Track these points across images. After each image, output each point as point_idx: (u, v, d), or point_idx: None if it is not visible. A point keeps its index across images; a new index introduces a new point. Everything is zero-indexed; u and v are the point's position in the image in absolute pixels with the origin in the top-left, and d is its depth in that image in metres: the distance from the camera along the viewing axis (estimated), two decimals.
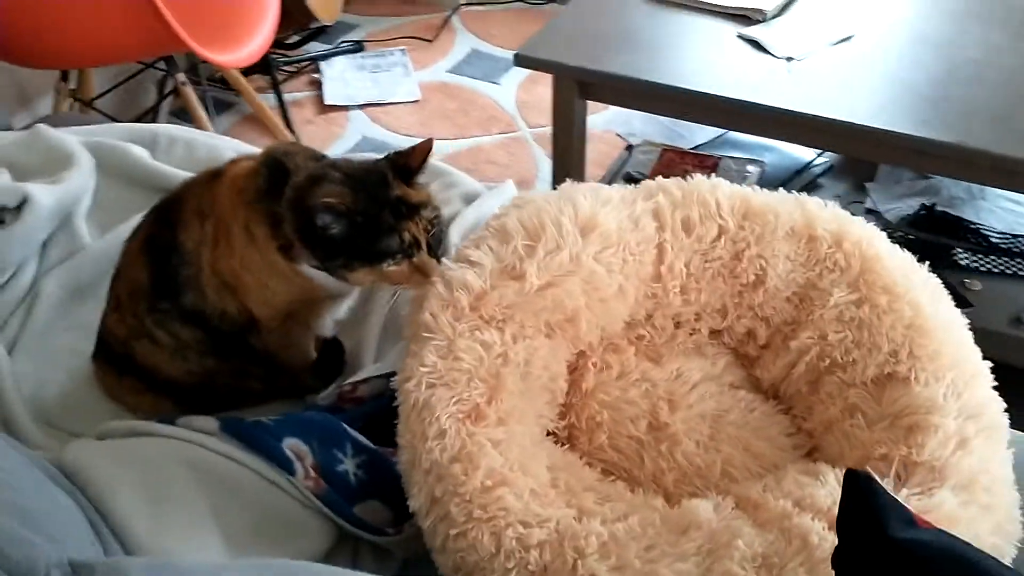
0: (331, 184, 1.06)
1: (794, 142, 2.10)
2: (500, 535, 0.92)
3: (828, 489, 0.94)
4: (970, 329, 1.09)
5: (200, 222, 1.15)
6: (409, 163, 1.09)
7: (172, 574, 0.70)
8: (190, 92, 2.22)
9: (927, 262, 1.12)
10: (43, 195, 1.43)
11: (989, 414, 1.01)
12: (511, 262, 1.06)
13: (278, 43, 3.08)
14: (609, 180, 2.29)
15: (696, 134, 2.43)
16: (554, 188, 1.75)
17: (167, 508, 1.00)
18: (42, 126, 1.60)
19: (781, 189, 1.17)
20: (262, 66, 3.00)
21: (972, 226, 2.05)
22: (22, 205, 1.43)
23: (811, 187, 2.24)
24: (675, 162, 2.30)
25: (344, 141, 2.85)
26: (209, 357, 1.19)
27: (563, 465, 1.03)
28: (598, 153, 2.64)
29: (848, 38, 1.96)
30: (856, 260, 1.09)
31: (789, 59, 1.89)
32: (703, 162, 2.29)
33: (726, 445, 1.06)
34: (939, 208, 2.08)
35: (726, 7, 2.05)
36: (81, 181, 1.51)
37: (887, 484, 0.96)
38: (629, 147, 2.41)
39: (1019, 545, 0.97)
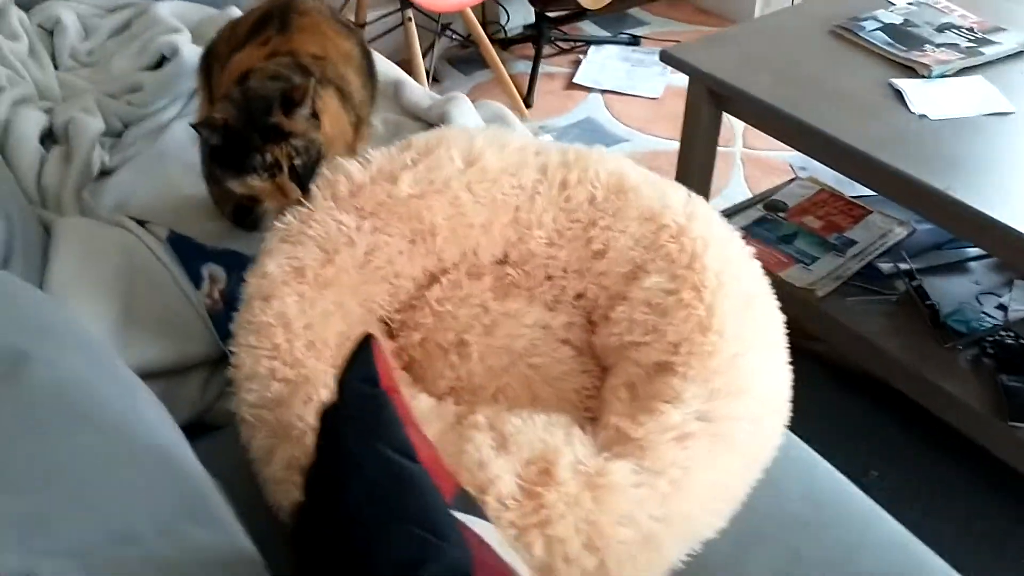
0: (228, 104, 1.25)
1: (917, 212, 1.97)
2: (258, 362, 1.10)
3: (534, 433, 1.02)
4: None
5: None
6: (293, 97, 1.25)
7: None
8: (412, 28, 2.54)
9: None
10: (190, 52, 1.79)
11: (731, 426, 1.03)
12: (395, 168, 1.23)
13: (555, 20, 3.34)
14: (754, 203, 2.30)
15: None
16: None
17: (86, 275, 1.30)
18: (236, 8, 1.98)
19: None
20: (537, 34, 3.28)
21: None
22: None
23: (956, 267, 2.10)
24: (824, 203, 2.25)
25: (568, 117, 3.05)
26: None
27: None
28: (764, 179, 2.70)
29: (1007, 113, 1.83)
30: (686, 255, 1.13)
31: (922, 116, 1.81)
32: (851, 210, 2.22)
33: (511, 377, 1.16)
34: None
35: (902, 57, 1.99)
36: None
37: (589, 443, 1.03)
38: (793, 179, 2.39)
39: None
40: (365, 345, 0.79)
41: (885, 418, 2.00)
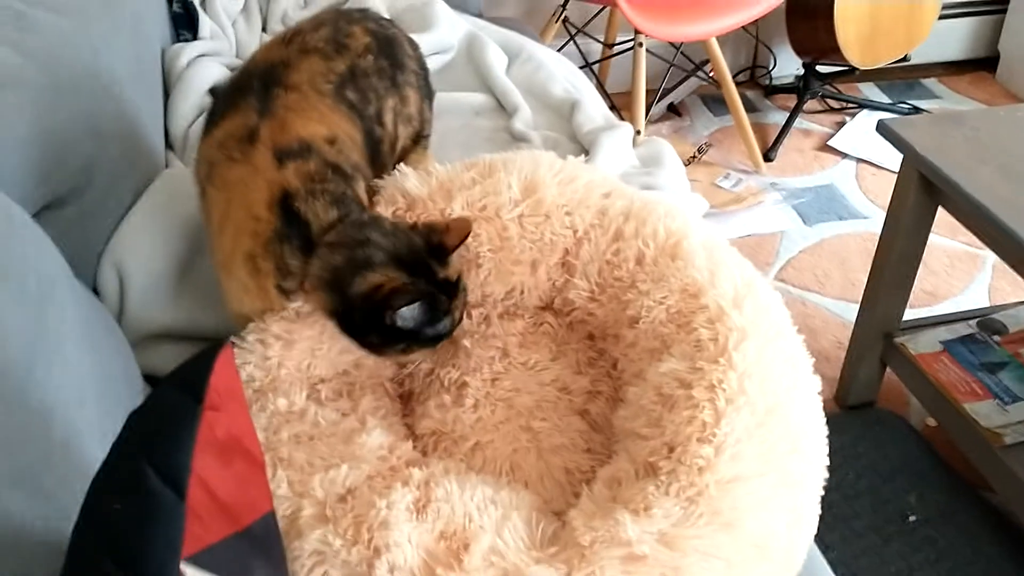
0: (384, 270, 0.98)
1: None
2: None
3: (464, 506, 0.89)
4: None
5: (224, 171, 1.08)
6: (445, 243, 1.02)
7: None
8: (640, 54, 2.40)
9: None
10: None
11: (696, 564, 0.84)
12: (454, 186, 1.12)
13: (827, 75, 3.07)
14: (967, 318, 1.97)
15: None
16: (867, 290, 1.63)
17: (161, 225, 1.29)
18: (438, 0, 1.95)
19: None
20: (802, 87, 3.03)
21: None
22: None
23: None
24: None
25: (809, 179, 2.79)
26: None
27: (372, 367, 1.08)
28: (1015, 294, 2.33)
29: None
30: (716, 346, 0.94)
31: None
32: None
33: (498, 436, 1.03)
34: None
35: None
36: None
37: (527, 533, 0.88)
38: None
39: None
40: (209, 352, 0.70)
41: None
